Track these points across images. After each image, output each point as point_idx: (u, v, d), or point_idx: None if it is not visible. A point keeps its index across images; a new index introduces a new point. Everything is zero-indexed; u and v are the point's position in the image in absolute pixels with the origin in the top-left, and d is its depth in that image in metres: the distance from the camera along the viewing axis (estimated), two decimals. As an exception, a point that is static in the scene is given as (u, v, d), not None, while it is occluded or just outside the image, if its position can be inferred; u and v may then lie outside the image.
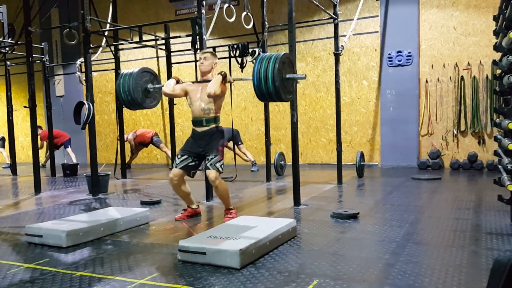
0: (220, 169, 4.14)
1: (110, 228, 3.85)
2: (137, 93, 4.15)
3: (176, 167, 4.27)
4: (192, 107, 4.24)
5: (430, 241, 3.40)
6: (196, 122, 4.23)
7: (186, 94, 4.30)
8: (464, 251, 3.08)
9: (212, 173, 4.10)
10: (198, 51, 5.76)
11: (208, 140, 4.19)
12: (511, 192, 3.66)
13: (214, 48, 7.81)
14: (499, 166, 4.11)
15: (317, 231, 3.79)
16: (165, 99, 10.14)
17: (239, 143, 8.41)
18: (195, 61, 6.52)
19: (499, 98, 6.38)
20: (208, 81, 4.17)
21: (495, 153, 4.40)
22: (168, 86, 4.29)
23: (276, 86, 3.34)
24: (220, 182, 4.16)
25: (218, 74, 4.12)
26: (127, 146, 9.47)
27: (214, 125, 4.21)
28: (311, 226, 3.96)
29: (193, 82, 4.40)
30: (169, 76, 7.87)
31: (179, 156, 4.29)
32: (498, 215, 4.18)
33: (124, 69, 4.30)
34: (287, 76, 3.47)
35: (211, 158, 4.13)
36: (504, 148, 3.74)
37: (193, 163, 4.28)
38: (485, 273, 2.56)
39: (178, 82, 4.37)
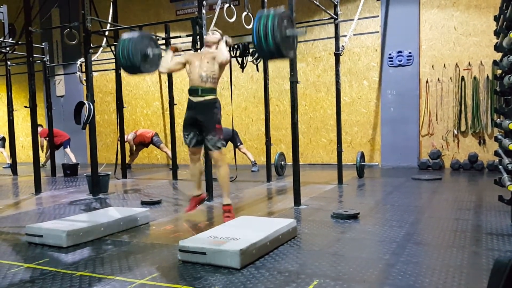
0: (222, 146, 4.19)
1: (110, 228, 3.85)
2: (136, 57, 4.15)
3: (189, 145, 4.33)
4: (191, 75, 4.21)
5: (431, 241, 3.40)
6: (192, 91, 4.20)
7: (185, 64, 4.30)
8: (464, 252, 3.08)
9: (215, 153, 4.17)
10: (199, 51, 5.77)
11: (204, 115, 4.17)
12: (512, 193, 3.66)
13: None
14: (500, 167, 4.11)
15: (317, 231, 3.79)
16: (166, 99, 10.14)
17: (238, 144, 8.36)
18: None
19: (499, 98, 6.38)
20: (210, 52, 4.22)
21: (496, 153, 4.39)
22: (164, 65, 4.29)
23: (277, 43, 3.31)
24: (224, 162, 4.21)
25: (219, 41, 4.14)
26: (128, 146, 9.47)
27: (211, 97, 4.18)
28: (312, 226, 3.96)
29: (194, 51, 4.38)
30: (170, 76, 7.86)
31: (185, 135, 4.31)
32: (498, 215, 4.17)
33: (124, 33, 4.29)
34: (287, 32, 3.43)
35: (211, 139, 4.14)
36: (504, 148, 3.74)
37: (200, 138, 4.29)
38: (486, 274, 2.56)
39: (176, 50, 4.37)
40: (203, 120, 4.17)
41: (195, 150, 4.37)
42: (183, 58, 4.32)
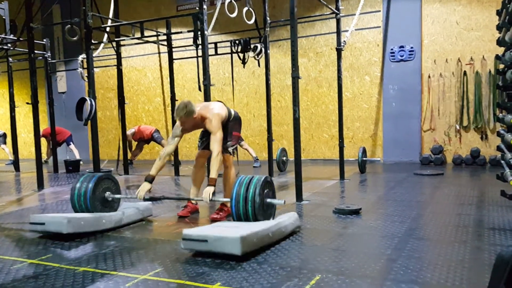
0: (230, 152, 4.27)
1: (112, 220, 3.83)
2: (94, 208, 3.84)
3: (199, 147, 4.40)
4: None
5: (433, 236, 3.40)
6: None
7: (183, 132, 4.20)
8: (466, 247, 3.08)
9: (225, 155, 4.25)
10: (200, 46, 5.76)
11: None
12: (514, 187, 3.65)
13: (216, 43, 7.81)
14: (502, 161, 4.10)
15: (319, 227, 3.79)
16: (167, 95, 10.13)
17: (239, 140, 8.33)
18: (197, 56, 6.53)
19: (502, 93, 6.35)
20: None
21: (498, 148, 4.37)
22: (166, 153, 4.12)
23: (255, 210, 3.33)
24: (231, 164, 4.28)
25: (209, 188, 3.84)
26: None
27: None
28: (314, 222, 3.96)
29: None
30: (171, 72, 7.86)
31: (199, 139, 4.42)
32: (500, 210, 4.17)
33: (77, 182, 3.88)
34: (267, 200, 3.49)
35: (225, 143, 4.21)
36: (506, 143, 3.73)
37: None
38: (488, 269, 2.56)
39: (150, 181, 4.11)
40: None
41: (200, 154, 4.39)
42: (180, 128, 4.11)
